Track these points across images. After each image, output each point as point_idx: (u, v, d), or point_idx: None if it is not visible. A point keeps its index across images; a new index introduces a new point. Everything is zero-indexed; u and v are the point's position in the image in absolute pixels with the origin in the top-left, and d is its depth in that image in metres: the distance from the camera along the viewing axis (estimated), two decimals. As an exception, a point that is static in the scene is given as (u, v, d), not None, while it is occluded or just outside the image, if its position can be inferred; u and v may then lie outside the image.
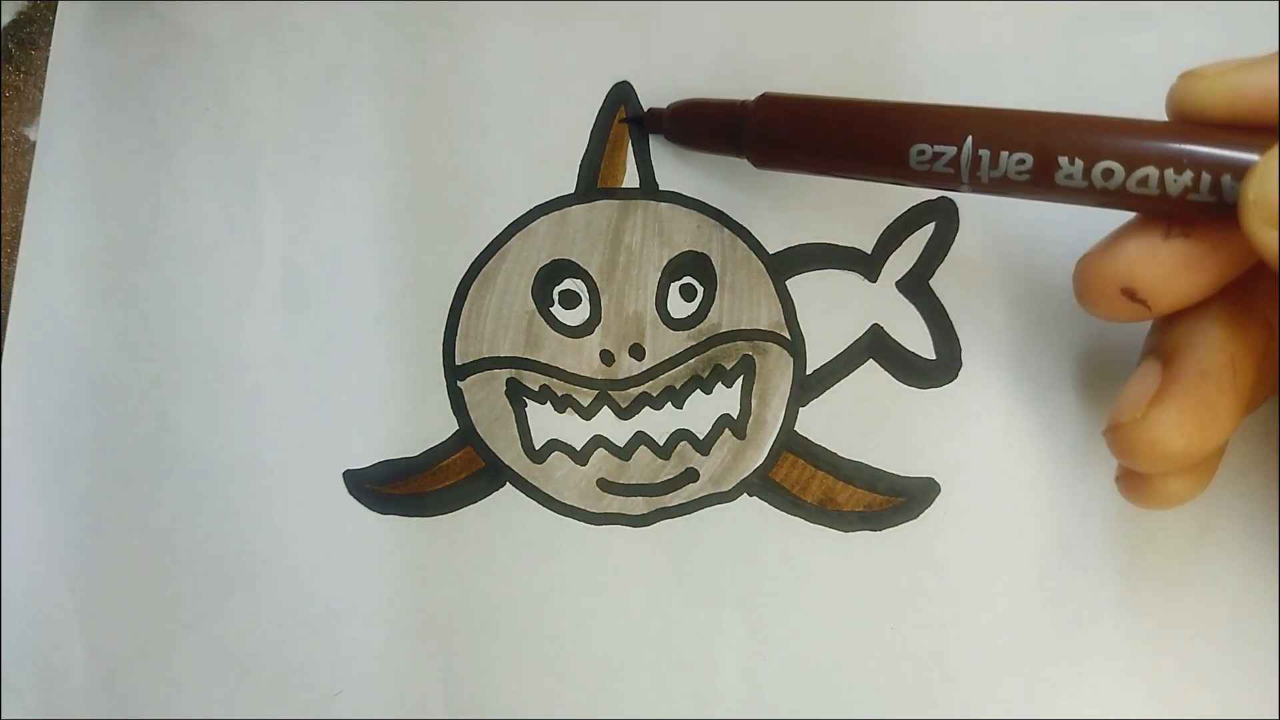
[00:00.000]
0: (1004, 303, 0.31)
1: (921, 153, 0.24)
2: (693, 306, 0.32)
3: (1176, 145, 0.22)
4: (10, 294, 0.34)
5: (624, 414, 0.31)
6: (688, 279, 0.32)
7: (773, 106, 0.28)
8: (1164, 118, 0.31)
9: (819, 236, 0.32)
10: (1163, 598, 0.29)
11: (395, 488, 0.32)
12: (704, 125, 0.30)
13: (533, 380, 0.32)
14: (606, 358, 0.32)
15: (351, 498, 0.32)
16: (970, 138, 0.23)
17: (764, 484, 0.31)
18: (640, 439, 0.31)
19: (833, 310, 0.31)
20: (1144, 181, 0.22)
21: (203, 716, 0.32)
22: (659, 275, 0.32)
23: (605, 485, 0.31)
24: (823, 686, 0.30)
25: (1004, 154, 0.23)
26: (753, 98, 0.28)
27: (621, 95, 0.33)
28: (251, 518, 0.32)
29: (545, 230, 0.32)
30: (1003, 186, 0.23)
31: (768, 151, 0.28)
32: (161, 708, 0.32)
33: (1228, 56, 0.31)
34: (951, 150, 0.24)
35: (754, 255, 0.32)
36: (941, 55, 0.32)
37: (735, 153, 0.29)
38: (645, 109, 0.32)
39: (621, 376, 0.32)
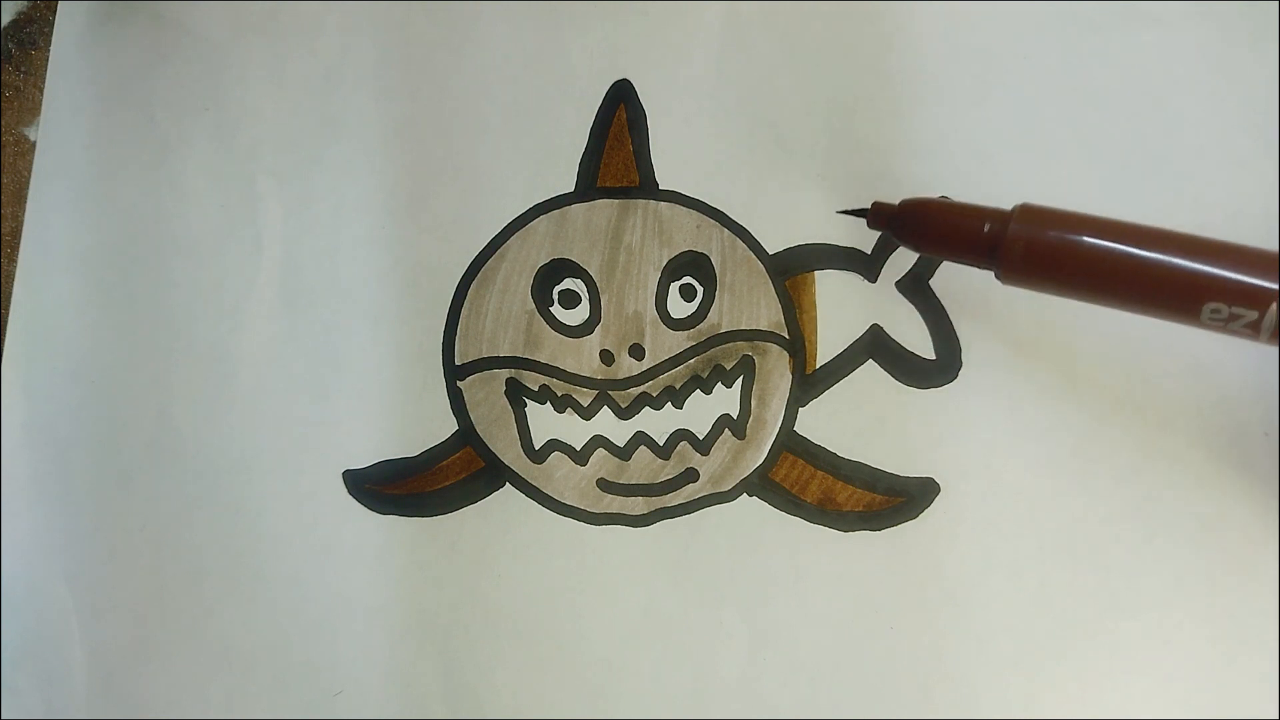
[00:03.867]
0: (1004, 303, 0.31)
1: (1216, 311, 0.22)
2: (693, 306, 0.32)
3: None
4: (10, 294, 0.34)
5: (624, 414, 0.31)
6: (688, 279, 0.32)
7: (1039, 221, 0.25)
8: (1164, 118, 0.31)
9: (819, 237, 0.32)
10: (1163, 598, 0.29)
11: (395, 488, 0.32)
12: (944, 231, 0.27)
13: (532, 380, 0.32)
14: (606, 358, 0.32)
15: (351, 498, 0.32)
16: (1276, 305, 0.21)
17: (764, 484, 0.31)
18: (640, 439, 0.31)
19: (832, 310, 0.31)
20: None
21: (203, 716, 0.32)
22: (659, 275, 0.32)
23: (605, 485, 0.31)
24: (823, 686, 0.30)
25: None
26: (1009, 207, 0.25)
27: (621, 94, 0.33)
28: (251, 518, 0.32)
29: (545, 229, 0.32)
30: None
31: (1030, 271, 0.25)
32: (161, 708, 0.32)
33: (1228, 57, 0.31)
34: (1252, 314, 0.22)
35: (754, 255, 0.32)
36: (941, 55, 0.32)
37: (980, 263, 0.26)
38: (870, 203, 0.29)
39: (621, 376, 0.32)
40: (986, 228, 0.25)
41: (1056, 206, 0.25)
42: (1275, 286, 0.21)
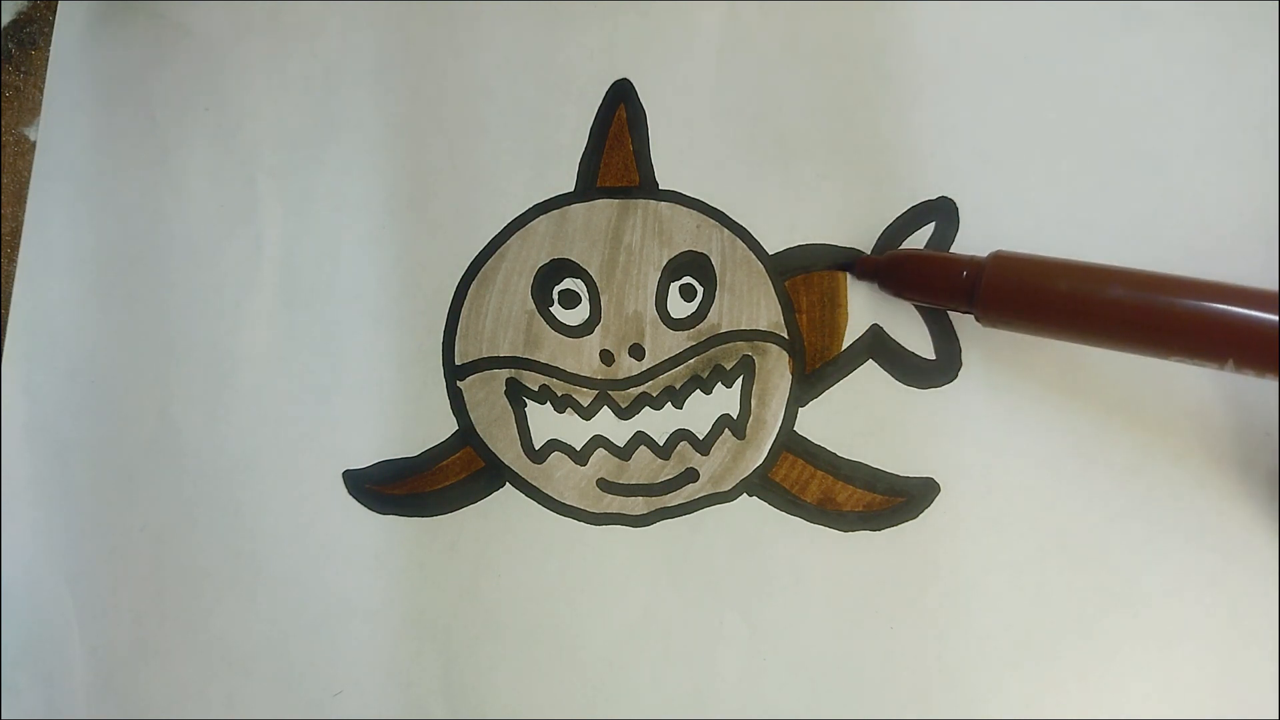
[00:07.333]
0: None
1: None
2: (692, 306, 0.32)
3: None
4: (10, 294, 0.34)
5: (624, 414, 0.31)
6: (687, 279, 0.32)
7: (1012, 267, 0.27)
8: (1164, 118, 0.31)
9: (819, 237, 0.32)
10: (1163, 597, 0.29)
11: (395, 488, 0.32)
12: (924, 280, 0.29)
13: (532, 380, 0.32)
14: (606, 358, 0.32)
15: (351, 498, 0.32)
16: (1231, 361, 0.23)
17: (764, 484, 0.31)
18: (640, 439, 0.31)
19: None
20: None
21: (203, 717, 0.32)
22: (659, 275, 0.32)
23: (605, 485, 0.31)
24: (823, 686, 0.30)
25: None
26: (983, 255, 0.27)
27: (621, 94, 0.33)
28: (251, 518, 0.32)
29: (545, 229, 0.32)
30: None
31: (1004, 314, 0.27)
32: (161, 708, 0.32)
33: (1228, 57, 0.31)
34: (1213, 365, 0.24)
35: (754, 255, 0.32)
36: (941, 55, 0.32)
37: (961, 308, 0.28)
38: (857, 256, 0.31)
39: (621, 376, 0.32)
40: (964, 274, 0.27)
41: (1030, 253, 0.27)
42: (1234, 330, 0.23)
